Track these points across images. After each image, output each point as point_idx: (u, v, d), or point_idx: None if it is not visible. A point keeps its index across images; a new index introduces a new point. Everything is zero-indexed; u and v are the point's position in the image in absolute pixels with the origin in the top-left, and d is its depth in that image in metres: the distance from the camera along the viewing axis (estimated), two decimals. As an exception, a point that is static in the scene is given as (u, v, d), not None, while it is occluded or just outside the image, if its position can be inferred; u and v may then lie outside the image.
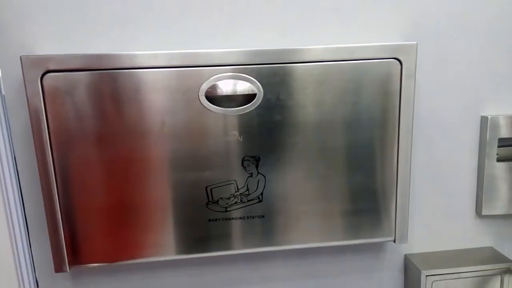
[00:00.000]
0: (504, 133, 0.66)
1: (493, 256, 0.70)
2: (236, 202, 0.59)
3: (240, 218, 0.60)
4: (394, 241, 0.63)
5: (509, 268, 0.68)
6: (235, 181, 0.58)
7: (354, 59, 0.57)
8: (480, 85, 0.66)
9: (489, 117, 0.66)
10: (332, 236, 0.62)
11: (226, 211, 0.59)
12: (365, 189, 0.61)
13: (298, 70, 0.56)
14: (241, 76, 0.55)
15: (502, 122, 0.66)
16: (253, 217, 0.60)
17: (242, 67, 0.55)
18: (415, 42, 0.57)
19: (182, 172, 0.57)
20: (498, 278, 0.69)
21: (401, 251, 0.71)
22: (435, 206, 0.70)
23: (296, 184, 0.60)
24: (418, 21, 0.62)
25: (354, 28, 0.61)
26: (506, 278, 0.68)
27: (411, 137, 0.60)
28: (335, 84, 0.57)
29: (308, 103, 0.57)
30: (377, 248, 0.71)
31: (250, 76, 0.55)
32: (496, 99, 0.66)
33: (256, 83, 0.56)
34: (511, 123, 0.66)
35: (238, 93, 0.56)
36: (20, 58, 0.51)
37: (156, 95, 0.54)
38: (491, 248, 0.73)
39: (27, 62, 0.51)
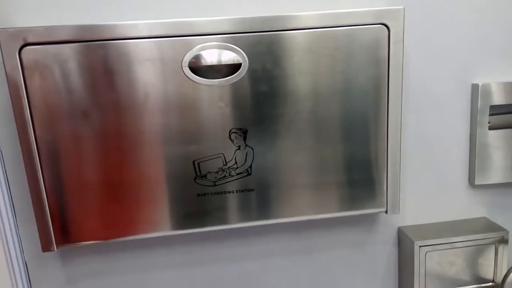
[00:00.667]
0: (495, 101, 0.65)
1: (487, 226, 0.70)
2: (224, 176, 0.58)
3: (229, 192, 0.59)
4: (386, 211, 0.63)
5: (503, 237, 0.68)
6: (223, 154, 0.57)
7: (340, 25, 0.55)
8: (470, 53, 0.65)
9: (480, 84, 0.65)
10: (323, 209, 0.62)
11: (214, 185, 0.58)
12: (356, 159, 0.60)
13: (284, 38, 0.55)
14: (225, 45, 0.54)
15: (493, 89, 0.65)
16: (242, 191, 0.59)
17: (226, 36, 0.54)
18: (402, 7, 0.56)
19: (168, 146, 0.56)
20: (492, 247, 0.68)
21: (394, 224, 0.71)
22: (428, 177, 0.69)
23: (285, 156, 0.59)
24: (405, -13, 0.61)
25: (341, -4, 0.60)
26: (501, 247, 0.68)
27: (400, 106, 0.59)
28: (322, 52, 0.56)
29: (295, 72, 0.56)
30: (371, 221, 0.70)
31: (235, 45, 0.54)
32: (487, 67, 0.65)
33: (241, 52, 0.54)
34: (502, 90, 0.65)
35: (223, 63, 0.54)
36: (-3, 31, 0.49)
37: (139, 67, 0.53)
38: (485, 218, 0.72)
39: (5, 35, 0.50)
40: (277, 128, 0.58)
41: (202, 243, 0.67)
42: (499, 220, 0.72)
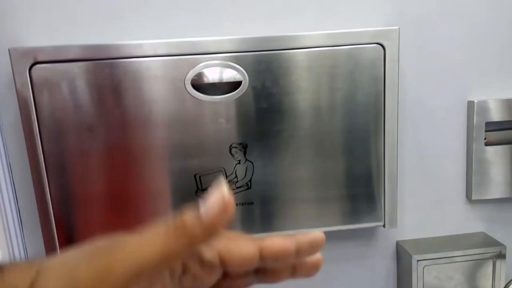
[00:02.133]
0: (491, 117, 0.67)
1: (485, 241, 0.71)
2: (225, 190, 0.60)
3: (230, 205, 0.60)
4: (384, 225, 0.64)
5: (501, 252, 0.68)
6: (224, 168, 0.59)
7: (337, 45, 0.57)
8: (465, 70, 0.66)
9: (475, 101, 0.66)
10: (322, 222, 0.63)
11: (215, 198, 0.60)
12: (354, 174, 0.62)
13: (284, 57, 0.57)
14: (226, 64, 0.56)
15: (489, 106, 0.66)
16: (242, 204, 0.61)
17: (228, 55, 0.56)
18: (397, 27, 0.58)
19: (171, 160, 0.58)
20: (490, 262, 0.69)
21: (392, 238, 0.72)
22: (425, 192, 0.70)
23: (283, 170, 0.60)
24: (401, 8, 0.62)
25: (338, 15, 0.62)
26: (498, 262, 0.69)
27: (396, 121, 0.60)
28: (320, 71, 0.58)
29: (294, 89, 0.58)
30: (369, 235, 0.71)
31: (236, 64, 0.56)
32: (482, 84, 0.67)
33: (242, 70, 0.57)
34: (498, 107, 0.67)
35: (224, 81, 0.56)
36: (9, 50, 0.52)
37: (144, 84, 0.55)
38: (483, 233, 0.73)
39: (16, 54, 0.52)
40: (276, 143, 0.59)
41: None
42: (497, 235, 0.73)
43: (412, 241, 0.72)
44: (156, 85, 0.56)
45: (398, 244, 0.72)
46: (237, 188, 0.60)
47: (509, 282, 0.67)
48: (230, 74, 0.56)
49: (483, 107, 0.66)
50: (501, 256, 0.68)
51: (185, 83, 0.56)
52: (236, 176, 0.60)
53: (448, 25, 0.64)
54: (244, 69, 0.56)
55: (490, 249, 0.68)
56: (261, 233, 0.62)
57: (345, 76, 0.58)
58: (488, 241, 0.71)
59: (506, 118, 0.67)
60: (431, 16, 0.64)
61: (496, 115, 0.67)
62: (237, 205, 0.60)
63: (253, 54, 0.57)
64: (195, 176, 0.59)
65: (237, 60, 0.56)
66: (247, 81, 0.57)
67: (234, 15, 0.60)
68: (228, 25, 0.60)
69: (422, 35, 0.64)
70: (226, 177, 0.59)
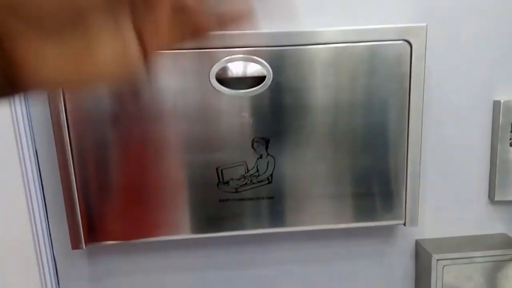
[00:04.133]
0: (517, 118, 0.66)
1: (506, 242, 0.70)
2: (246, 183, 0.60)
3: (250, 199, 0.61)
4: (405, 224, 0.64)
5: (523, 254, 0.67)
6: (245, 162, 0.60)
7: (364, 41, 0.57)
8: (492, 69, 0.65)
9: (502, 101, 0.65)
10: (341, 219, 0.63)
11: (236, 191, 0.60)
12: (375, 171, 0.62)
13: (308, 52, 0.57)
14: (251, 58, 0.56)
15: (516, 106, 0.65)
16: (263, 198, 0.61)
17: (252, 49, 0.56)
18: (425, 24, 0.57)
19: (194, 153, 0.58)
20: (511, 264, 0.68)
21: (412, 236, 0.71)
22: (447, 191, 0.69)
23: (305, 166, 0.60)
24: (428, 4, 0.62)
25: (364, 12, 0.61)
26: (519, 264, 0.68)
27: (421, 119, 0.60)
28: (344, 67, 0.58)
29: (317, 85, 0.58)
30: (388, 233, 0.71)
31: (261, 58, 0.56)
32: (509, 83, 0.66)
33: (266, 65, 0.57)
34: (525, 107, 0.65)
35: (248, 75, 0.57)
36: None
37: (169, 77, 0.56)
38: (504, 234, 0.72)
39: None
40: (298, 139, 0.59)
41: (222, 247, 0.69)
42: (519, 237, 0.72)
43: (432, 240, 0.71)
44: (181, 78, 0.56)
45: (417, 243, 0.71)
46: (258, 182, 0.60)
47: (531, 285, 0.66)
48: (254, 69, 0.57)
49: (509, 107, 0.65)
50: (523, 258, 0.67)
51: (210, 76, 0.56)
52: (257, 170, 0.60)
53: (476, 22, 0.63)
54: (269, 64, 0.57)
55: (511, 251, 0.67)
56: (282, 228, 0.62)
57: (370, 73, 0.58)
58: (509, 242, 0.70)
59: (533, 119, 0.66)
60: (458, 13, 0.62)
61: (522, 115, 0.65)
62: (257, 199, 0.61)
63: (277, 49, 0.57)
64: (216, 169, 0.59)
65: (261, 55, 0.56)
66: (271, 76, 0.57)
67: (259, 9, 0.60)
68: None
69: (449, 32, 0.63)
70: (248, 171, 0.60)
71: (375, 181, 0.62)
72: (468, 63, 0.64)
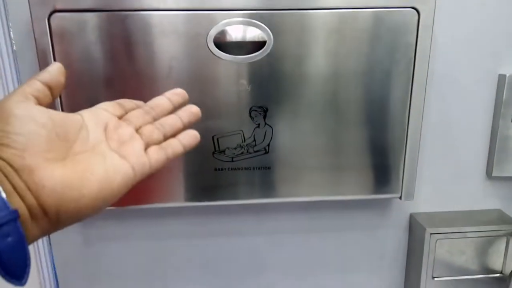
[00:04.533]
0: (522, 93, 0.64)
1: (500, 218, 0.70)
2: (242, 153, 0.59)
3: (246, 168, 0.60)
4: (401, 197, 0.63)
5: (516, 230, 0.68)
6: (242, 131, 0.58)
7: (369, 7, 0.54)
8: (499, 42, 0.63)
9: (507, 75, 0.63)
10: (338, 191, 0.62)
11: (232, 161, 0.59)
12: (374, 144, 0.60)
13: (310, 17, 0.54)
14: (251, 22, 0.54)
15: (521, 81, 0.64)
16: (259, 168, 0.60)
17: (252, 13, 0.53)
18: (435, -9, 0.54)
19: (189, 120, 0.57)
20: (504, 240, 0.68)
21: (407, 210, 0.71)
22: (445, 165, 0.69)
23: (303, 136, 0.59)
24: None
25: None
26: (512, 240, 0.68)
27: (424, 92, 0.58)
28: (348, 34, 0.55)
29: (319, 53, 0.56)
30: (383, 205, 0.71)
31: (261, 22, 0.54)
32: (517, 57, 0.64)
33: (266, 30, 0.54)
34: (530, 82, 0.64)
35: (247, 40, 0.54)
36: (27, -4, 0.50)
37: (164, 39, 0.53)
38: (499, 210, 0.72)
39: (35, 1, 0.50)
40: (297, 108, 0.58)
41: (216, 216, 0.68)
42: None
43: (426, 214, 0.71)
44: (177, 41, 0.54)
45: (411, 217, 0.71)
46: (255, 152, 0.59)
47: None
48: (254, 33, 0.54)
49: (515, 82, 0.63)
50: (516, 234, 0.68)
51: (207, 40, 0.54)
52: (254, 140, 0.58)
53: (487, -9, 0.60)
54: (269, 29, 0.54)
55: (504, 227, 0.68)
56: (278, 199, 0.62)
57: (375, 41, 0.56)
58: (503, 218, 0.70)
59: (538, 95, 0.64)
60: (470, -19, 0.60)
61: (527, 91, 0.64)
62: (253, 169, 0.60)
63: (278, 13, 0.54)
64: (212, 137, 0.58)
65: (261, 19, 0.54)
66: (272, 41, 0.54)
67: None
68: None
69: (458, 1, 0.60)
70: (244, 140, 0.58)
71: (373, 154, 0.61)
72: (474, 35, 0.62)
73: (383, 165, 0.62)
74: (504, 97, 0.64)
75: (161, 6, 0.52)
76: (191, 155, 0.58)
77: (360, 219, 0.71)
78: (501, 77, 0.64)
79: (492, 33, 0.62)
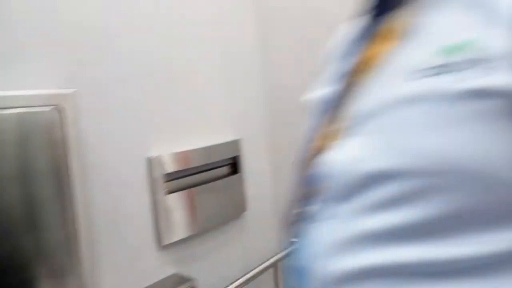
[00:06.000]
0: (167, 169, 0.76)
1: (177, 281, 0.77)
2: None
3: None
4: (85, 295, 0.59)
5: (193, 287, 0.76)
6: None
7: (6, 107, 0.51)
8: (143, 129, 0.73)
9: (152, 156, 0.74)
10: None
11: None
12: (45, 249, 0.55)
13: None
14: None
15: (164, 160, 0.75)
16: None
17: None
18: (74, 89, 0.57)
19: None
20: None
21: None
22: (121, 249, 0.70)
23: None
24: (76, 70, 0.63)
25: (7, 77, 0.55)
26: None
27: (86, 185, 0.59)
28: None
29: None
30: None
31: None
32: (158, 141, 0.76)
33: None
34: (171, 159, 0.77)
35: None
36: None
37: None
38: (175, 274, 0.79)
39: None
40: None
41: None
42: (190, 272, 0.81)
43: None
44: None
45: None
46: None
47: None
48: None
49: (159, 161, 0.75)
50: (192, 290, 0.76)
51: None
52: None
53: (124, 88, 0.69)
54: None
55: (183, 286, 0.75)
56: None
57: (21, 142, 0.52)
58: (179, 280, 0.77)
59: (179, 168, 0.78)
60: (107, 80, 0.67)
61: (171, 166, 0.76)
62: None
63: None
64: None
65: None
66: None
67: None
68: None
69: (100, 98, 0.66)
70: None
71: (48, 259, 0.55)
72: (121, 125, 0.70)
73: (61, 269, 0.56)
74: (154, 175, 0.74)
75: None
76: None
77: None
78: (148, 159, 0.74)
79: (137, 122, 0.72)
